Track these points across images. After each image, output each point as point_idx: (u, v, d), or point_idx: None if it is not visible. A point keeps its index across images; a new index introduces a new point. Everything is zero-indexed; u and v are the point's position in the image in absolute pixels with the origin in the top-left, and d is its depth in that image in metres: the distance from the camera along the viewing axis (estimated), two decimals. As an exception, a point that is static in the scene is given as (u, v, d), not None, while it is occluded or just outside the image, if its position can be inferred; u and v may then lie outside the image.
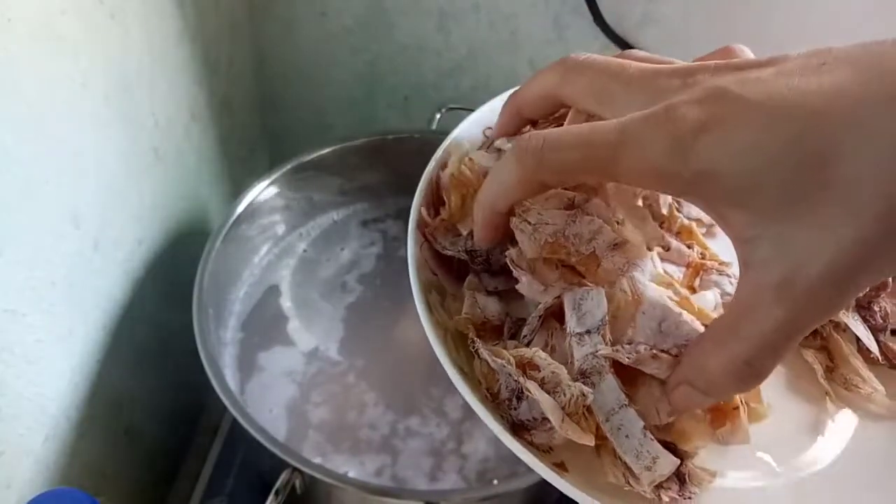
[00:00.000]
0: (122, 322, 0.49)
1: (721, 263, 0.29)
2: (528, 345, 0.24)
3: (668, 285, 0.25)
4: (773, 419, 0.24)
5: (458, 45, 0.65)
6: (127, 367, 0.51)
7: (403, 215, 0.34)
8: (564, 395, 0.22)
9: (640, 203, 0.27)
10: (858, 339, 0.28)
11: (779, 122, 0.18)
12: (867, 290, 0.28)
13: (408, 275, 0.26)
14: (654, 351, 0.22)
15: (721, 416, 0.23)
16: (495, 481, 0.47)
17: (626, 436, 0.22)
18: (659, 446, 0.22)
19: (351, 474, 0.47)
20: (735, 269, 0.27)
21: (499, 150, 0.28)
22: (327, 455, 0.48)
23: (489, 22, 0.62)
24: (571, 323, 0.23)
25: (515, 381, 0.22)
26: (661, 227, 0.28)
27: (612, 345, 0.23)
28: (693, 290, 0.27)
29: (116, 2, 0.42)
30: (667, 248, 0.28)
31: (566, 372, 0.22)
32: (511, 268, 0.25)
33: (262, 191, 0.55)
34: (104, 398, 0.48)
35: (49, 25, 0.37)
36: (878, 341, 0.28)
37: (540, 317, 0.24)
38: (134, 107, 0.47)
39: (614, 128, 0.21)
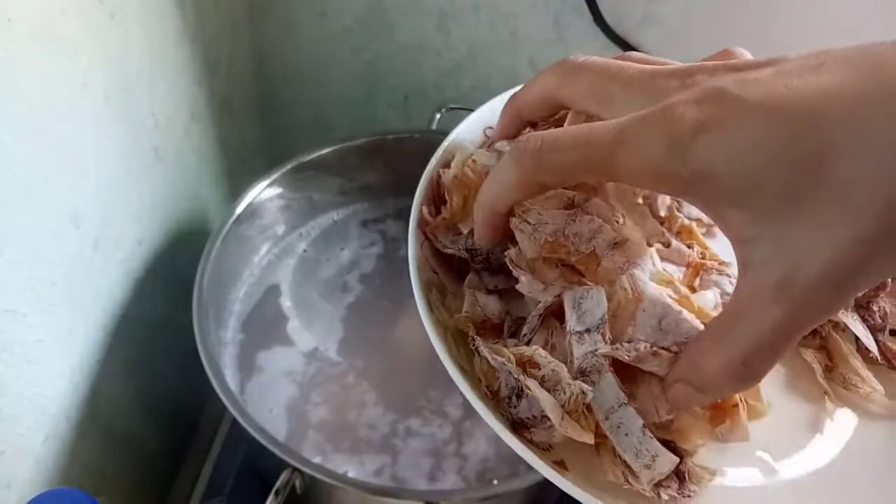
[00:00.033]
0: (122, 322, 0.49)
1: (721, 263, 0.29)
2: (528, 343, 0.24)
3: (668, 283, 0.25)
4: (772, 418, 0.24)
5: (458, 45, 0.65)
6: (127, 367, 0.51)
7: (403, 215, 0.34)
8: (564, 393, 0.22)
9: (640, 201, 0.27)
10: (857, 339, 0.28)
11: (777, 122, 0.18)
12: (866, 289, 0.28)
13: (408, 275, 0.26)
14: (654, 348, 0.22)
15: (720, 414, 0.24)
16: (495, 481, 0.47)
17: (626, 434, 0.22)
18: (658, 444, 0.22)
19: (351, 474, 0.47)
20: (735, 269, 0.27)
21: (499, 153, 0.28)
22: (327, 455, 0.48)
23: (489, 22, 0.62)
24: (571, 321, 0.23)
25: (515, 379, 0.23)
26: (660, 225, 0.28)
27: (612, 343, 0.23)
28: (693, 290, 0.27)
29: (116, 2, 0.42)
30: (667, 245, 0.28)
31: (566, 370, 0.22)
32: (511, 268, 0.25)
33: (262, 191, 0.56)
34: (104, 398, 0.48)
35: (49, 25, 0.37)
36: (877, 341, 0.28)
37: (540, 315, 0.24)
38: (134, 107, 0.47)
39: (613, 128, 0.21)
